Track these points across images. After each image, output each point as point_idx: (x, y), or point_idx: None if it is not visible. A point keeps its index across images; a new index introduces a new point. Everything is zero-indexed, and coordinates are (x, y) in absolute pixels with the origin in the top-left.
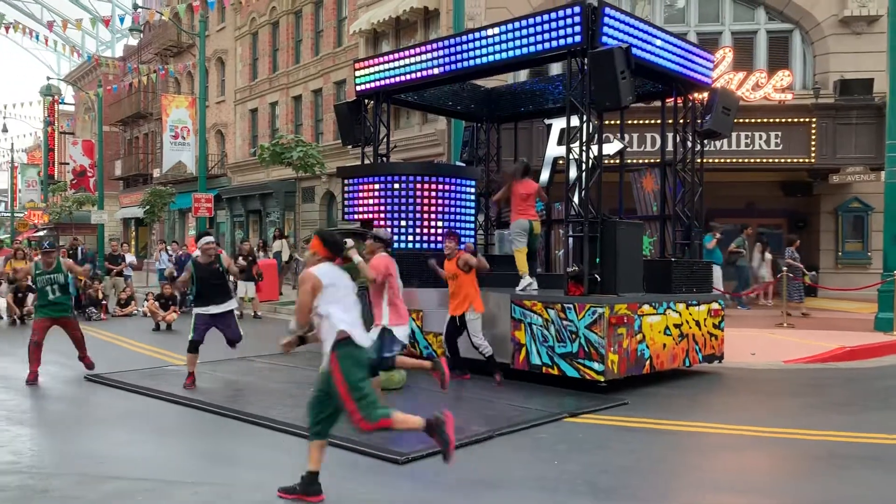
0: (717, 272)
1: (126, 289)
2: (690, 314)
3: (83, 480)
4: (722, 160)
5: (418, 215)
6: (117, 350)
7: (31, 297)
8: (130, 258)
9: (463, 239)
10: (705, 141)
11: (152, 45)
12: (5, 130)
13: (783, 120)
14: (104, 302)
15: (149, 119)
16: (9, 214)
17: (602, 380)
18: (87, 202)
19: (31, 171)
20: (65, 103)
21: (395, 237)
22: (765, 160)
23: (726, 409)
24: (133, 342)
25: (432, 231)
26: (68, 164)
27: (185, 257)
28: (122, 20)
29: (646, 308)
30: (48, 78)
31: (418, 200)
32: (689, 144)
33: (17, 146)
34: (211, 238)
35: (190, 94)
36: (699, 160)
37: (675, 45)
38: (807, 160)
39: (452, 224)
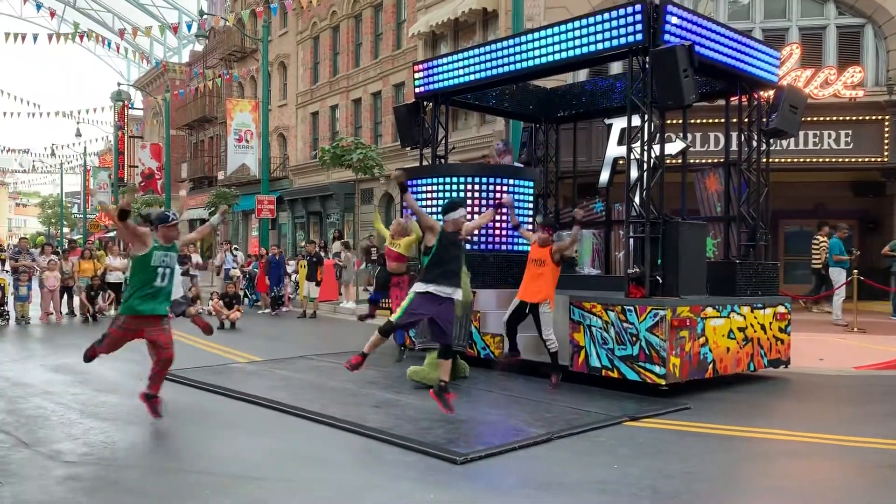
0: (842, 275)
1: (192, 288)
2: (755, 317)
3: (153, 473)
4: (789, 160)
5: (476, 216)
6: (183, 347)
7: (102, 295)
8: (196, 258)
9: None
10: (771, 140)
11: (217, 51)
12: (79, 135)
13: (854, 118)
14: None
15: (214, 123)
16: (81, 216)
17: (663, 383)
18: (154, 204)
19: (102, 174)
20: (134, 108)
21: None
22: (834, 159)
23: (793, 415)
24: (198, 340)
25: (490, 232)
26: (137, 166)
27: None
28: (188, 27)
29: (709, 311)
30: (118, 84)
31: (476, 202)
32: (755, 144)
33: (89, 150)
34: (465, 211)
35: (253, 98)
36: (765, 160)
37: (739, 42)
38: (879, 159)
39: (510, 225)
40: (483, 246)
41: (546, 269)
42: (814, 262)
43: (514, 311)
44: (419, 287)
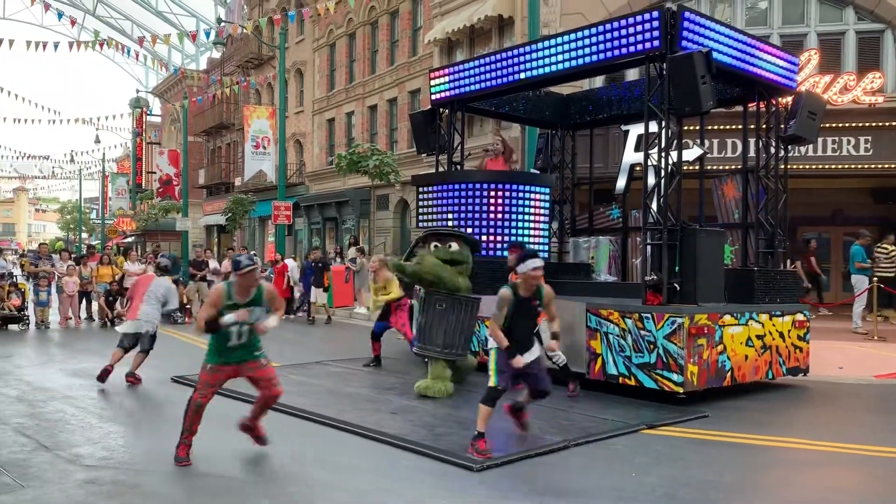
0: (864, 282)
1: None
2: (774, 325)
3: (171, 477)
4: (807, 166)
5: (492, 223)
6: (201, 352)
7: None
8: (214, 264)
9: (538, 248)
10: (789, 146)
11: (234, 58)
12: (98, 141)
13: (873, 124)
14: (188, 306)
15: (231, 129)
16: (100, 221)
17: (681, 391)
18: (172, 210)
19: (120, 180)
20: (152, 115)
21: None
22: (853, 166)
23: (812, 424)
24: None
25: (506, 239)
26: (155, 173)
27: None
28: (207, 34)
29: (727, 318)
30: (137, 91)
31: (492, 208)
32: (773, 150)
33: (107, 156)
34: (540, 262)
35: (270, 104)
36: (783, 166)
37: (756, 49)
38: None
39: (526, 231)
40: (496, 252)
41: None
42: (886, 271)
43: None
44: (489, 344)
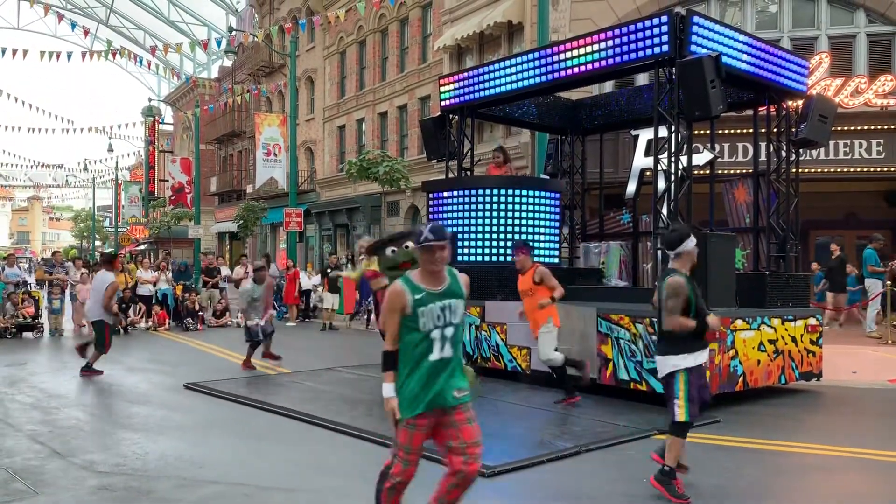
0: (878, 286)
1: (221, 300)
2: (786, 329)
3: (183, 484)
4: (819, 170)
5: (502, 228)
6: (213, 359)
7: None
8: (226, 271)
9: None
10: (801, 150)
11: (246, 66)
12: (111, 150)
13: (885, 127)
14: (201, 313)
15: (242, 137)
16: (113, 229)
17: None
18: (184, 217)
19: (133, 188)
20: (164, 123)
21: (480, 250)
22: (865, 169)
23: (825, 428)
24: (227, 352)
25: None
26: (167, 181)
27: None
28: (218, 43)
29: (739, 323)
30: (149, 100)
31: (502, 214)
32: (784, 154)
33: (120, 164)
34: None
35: (281, 112)
36: (794, 170)
37: (767, 52)
38: None
39: (536, 237)
40: (506, 258)
41: (538, 295)
42: None
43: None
44: (682, 361)
